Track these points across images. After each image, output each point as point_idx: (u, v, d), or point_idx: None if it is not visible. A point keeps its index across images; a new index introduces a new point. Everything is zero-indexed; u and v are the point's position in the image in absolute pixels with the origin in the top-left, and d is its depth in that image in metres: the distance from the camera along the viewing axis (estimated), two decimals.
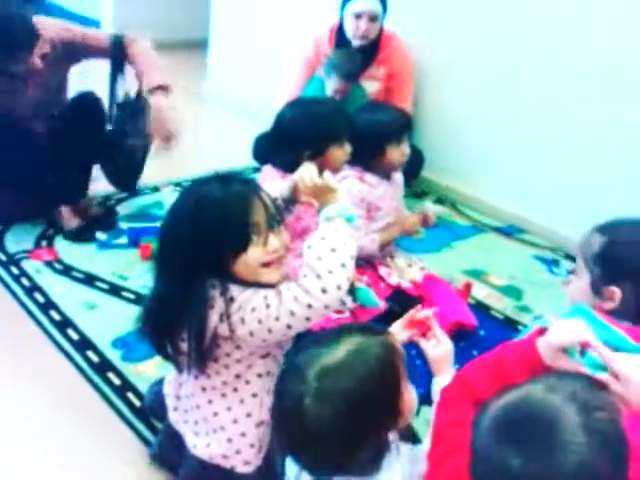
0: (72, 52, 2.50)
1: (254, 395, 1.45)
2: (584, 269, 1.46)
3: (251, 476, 1.48)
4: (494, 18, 2.96)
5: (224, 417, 1.46)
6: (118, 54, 2.55)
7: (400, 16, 3.11)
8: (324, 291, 1.29)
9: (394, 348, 1.16)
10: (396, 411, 1.12)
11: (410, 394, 1.17)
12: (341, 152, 2.06)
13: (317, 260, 1.32)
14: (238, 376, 1.44)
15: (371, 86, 3.02)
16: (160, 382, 1.66)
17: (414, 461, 1.21)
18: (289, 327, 1.32)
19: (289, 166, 2.01)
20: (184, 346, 1.39)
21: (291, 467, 1.25)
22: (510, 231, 3.03)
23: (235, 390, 1.45)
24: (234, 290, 1.34)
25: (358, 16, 2.87)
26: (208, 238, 1.33)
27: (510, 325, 2.35)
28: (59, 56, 2.45)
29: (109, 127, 2.67)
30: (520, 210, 3.06)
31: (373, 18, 2.87)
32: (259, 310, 1.32)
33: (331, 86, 2.88)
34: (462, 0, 3.04)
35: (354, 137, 2.09)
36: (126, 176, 2.78)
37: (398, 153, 2.23)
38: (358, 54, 2.91)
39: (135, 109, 2.57)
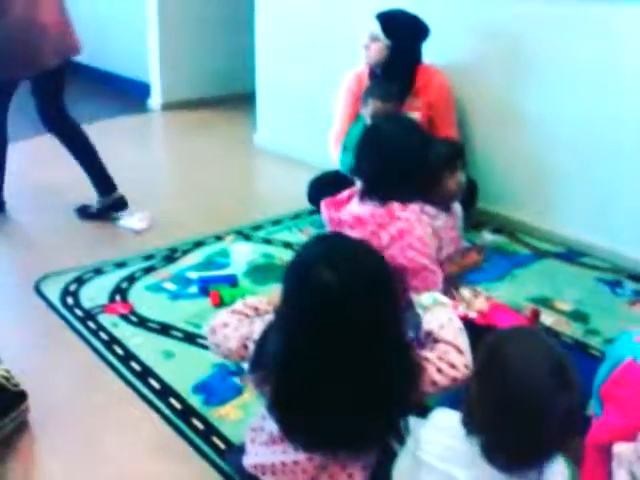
0: None
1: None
2: None
3: None
4: (542, 53, 3.04)
5: None
6: None
7: (454, 53, 3.28)
8: (466, 366, 1.45)
9: None
10: None
11: None
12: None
13: (454, 338, 1.49)
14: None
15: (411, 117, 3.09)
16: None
17: None
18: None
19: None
20: None
21: None
22: (570, 256, 3.03)
23: None
24: None
25: None
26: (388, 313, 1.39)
27: (581, 349, 2.35)
28: None
29: None
30: (579, 234, 3.06)
31: (373, 38, 3.08)
32: None
33: (369, 112, 2.95)
34: (513, 42, 3.13)
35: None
36: None
37: (453, 182, 2.28)
38: (392, 82, 3.03)
39: None
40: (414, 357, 1.44)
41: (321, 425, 1.34)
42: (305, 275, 1.34)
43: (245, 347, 1.53)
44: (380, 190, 1.94)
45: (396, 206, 1.93)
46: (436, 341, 1.52)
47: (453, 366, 1.45)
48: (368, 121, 2.95)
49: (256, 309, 1.63)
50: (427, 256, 1.96)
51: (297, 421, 1.36)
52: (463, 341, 1.50)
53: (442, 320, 1.56)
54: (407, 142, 1.99)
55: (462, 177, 2.29)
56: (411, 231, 1.91)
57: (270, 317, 1.52)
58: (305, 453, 1.41)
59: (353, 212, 1.97)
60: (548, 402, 1.24)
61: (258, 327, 1.52)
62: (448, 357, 1.46)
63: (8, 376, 1.85)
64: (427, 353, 1.48)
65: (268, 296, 1.70)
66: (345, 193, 2.05)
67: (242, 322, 1.57)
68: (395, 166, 1.93)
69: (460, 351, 1.47)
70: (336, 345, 1.30)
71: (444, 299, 1.65)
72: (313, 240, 1.51)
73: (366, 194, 1.98)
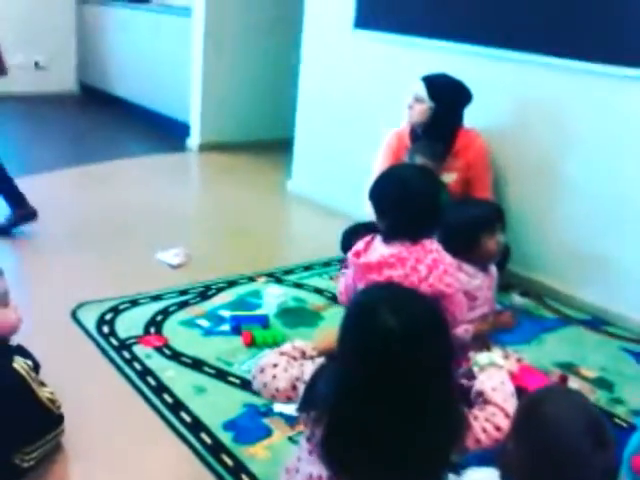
0: None
1: None
2: None
3: None
4: (581, 120, 3.12)
5: None
6: None
7: (494, 117, 3.39)
8: None
9: None
10: None
11: None
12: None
13: (504, 402, 1.54)
14: None
15: (449, 177, 3.17)
16: None
17: None
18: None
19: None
20: None
21: None
22: (596, 323, 3.07)
23: None
24: None
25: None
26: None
27: (605, 418, 2.36)
28: None
29: None
30: (604, 302, 3.10)
31: (417, 99, 3.18)
32: None
33: None
34: (552, 108, 3.22)
35: (450, 232, 2.23)
36: None
37: (493, 242, 2.35)
38: (436, 143, 3.12)
39: None
40: (462, 410, 1.48)
41: (369, 467, 1.37)
42: (368, 320, 1.37)
43: (294, 388, 1.57)
44: (410, 231, 2.06)
45: (427, 242, 2.07)
46: (486, 402, 1.56)
47: (498, 429, 1.50)
48: None
49: (303, 353, 1.68)
50: (458, 281, 2.12)
51: (346, 460, 1.40)
52: (511, 405, 1.54)
53: (495, 382, 1.61)
54: (425, 183, 2.13)
55: (501, 238, 2.36)
56: (443, 259, 2.06)
57: (320, 360, 1.57)
58: None
59: (385, 254, 2.05)
60: (584, 461, 1.27)
61: (308, 369, 1.56)
62: (495, 419, 1.51)
63: (53, 398, 1.90)
64: (476, 412, 1.54)
65: (315, 341, 1.76)
66: (360, 244, 2.15)
67: (290, 364, 1.62)
68: (418, 206, 2.06)
69: (507, 415, 1.52)
70: (392, 388, 1.33)
71: (500, 361, 1.71)
72: (372, 287, 1.57)
73: (391, 236, 2.08)
